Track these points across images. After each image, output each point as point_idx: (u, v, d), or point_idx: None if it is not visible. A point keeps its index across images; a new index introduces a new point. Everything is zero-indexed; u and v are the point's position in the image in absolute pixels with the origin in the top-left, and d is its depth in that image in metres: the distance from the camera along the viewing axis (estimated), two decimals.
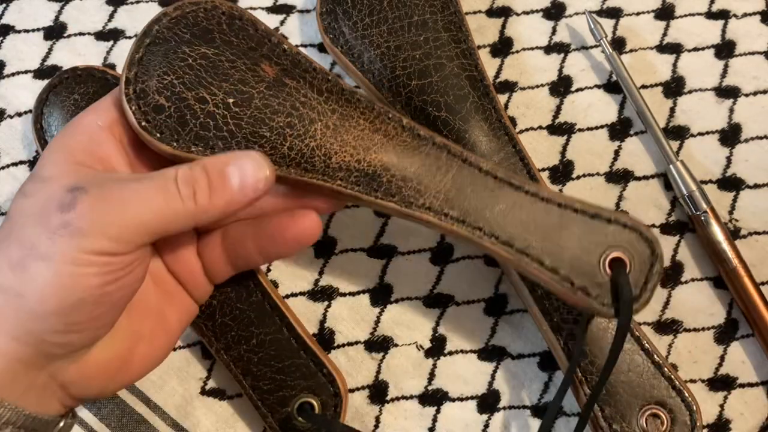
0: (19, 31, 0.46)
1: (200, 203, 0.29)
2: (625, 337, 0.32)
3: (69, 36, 0.46)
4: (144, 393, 0.41)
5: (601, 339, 0.38)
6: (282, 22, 0.46)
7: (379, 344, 0.41)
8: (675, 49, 0.45)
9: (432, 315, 0.42)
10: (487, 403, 0.40)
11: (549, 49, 0.45)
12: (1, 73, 0.45)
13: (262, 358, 0.38)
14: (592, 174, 0.43)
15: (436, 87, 0.41)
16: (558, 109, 0.44)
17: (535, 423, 0.40)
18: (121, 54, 0.45)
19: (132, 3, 0.46)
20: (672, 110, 0.44)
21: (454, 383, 0.41)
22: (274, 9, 0.46)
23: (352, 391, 0.41)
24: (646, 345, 0.38)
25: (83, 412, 0.41)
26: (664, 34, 0.45)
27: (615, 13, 0.46)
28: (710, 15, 0.45)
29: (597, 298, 0.32)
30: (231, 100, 0.32)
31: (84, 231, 0.27)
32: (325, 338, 0.41)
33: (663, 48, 0.45)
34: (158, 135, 0.31)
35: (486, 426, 0.40)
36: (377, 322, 0.42)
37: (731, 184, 0.42)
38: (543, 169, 0.43)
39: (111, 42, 0.46)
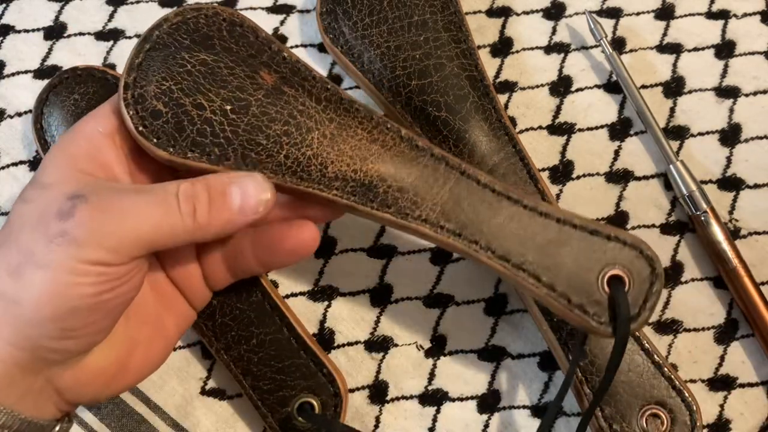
0: (19, 31, 0.46)
1: (199, 221, 0.29)
2: (622, 356, 0.31)
3: (69, 36, 0.46)
4: (144, 393, 0.41)
5: (601, 338, 0.38)
6: (282, 22, 0.46)
7: (379, 344, 0.41)
8: (675, 49, 0.45)
9: (432, 315, 0.42)
10: (487, 403, 0.40)
11: (549, 49, 0.45)
12: (1, 73, 0.45)
13: (262, 358, 0.38)
14: (592, 174, 0.43)
15: (436, 87, 0.41)
16: (558, 109, 0.44)
17: (535, 423, 0.40)
18: (121, 54, 0.45)
19: (132, 3, 0.46)
20: (672, 110, 0.44)
21: (454, 383, 0.41)
22: (274, 9, 0.46)
23: (352, 391, 0.41)
24: (646, 345, 0.38)
25: (83, 413, 0.41)
26: (664, 34, 0.45)
27: (615, 13, 0.46)
28: (710, 15, 0.45)
29: (594, 317, 0.31)
30: (228, 107, 0.32)
31: (81, 241, 0.27)
32: (325, 338, 0.41)
33: (663, 48, 0.45)
34: (155, 140, 0.31)
35: (486, 426, 0.40)
36: (377, 322, 0.42)
37: (731, 184, 0.42)
38: (543, 169, 0.43)
39: (111, 42, 0.46)
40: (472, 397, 0.40)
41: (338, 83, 0.45)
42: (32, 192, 0.30)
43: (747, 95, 0.44)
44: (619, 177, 0.43)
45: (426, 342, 0.41)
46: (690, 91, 0.44)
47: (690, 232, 0.42)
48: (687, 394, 0.37)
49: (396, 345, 0.41)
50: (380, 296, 0.42)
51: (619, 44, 0.45)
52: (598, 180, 0.43)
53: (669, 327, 0.41)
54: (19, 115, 0.44)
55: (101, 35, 0.46)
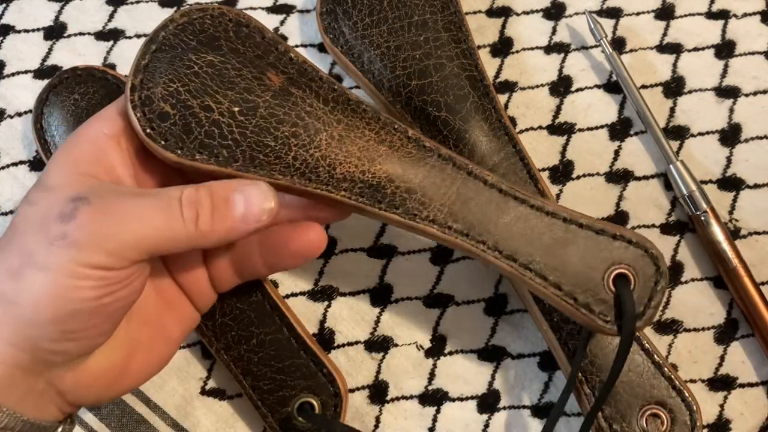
0: (19, 31, 0.46)
1: (201, 228, 0.29)
2: (628, 354, 0.31)
3: (69, 36, 0.46)
4: (144, 393, 0.41)
5: (602, 338, 0.38)
6: (282, 22, 0.46)
7: (379, 344, 0.41)
8: (675, 49, 0.45)
9: (432, 315, 0.42)
10: (487, 403, 0.40)
11: (549, 49, 0.45)
12: (1, 73, 0.45)
13: (262, 358, 0.38)
14: (592, 174, 0.43)
15: (436, 87, 0.41)
16: (558, 109, 0.44)
17: (535, 423, 0.40)
18: (120, 54, 0.45)
19: (132, 3, 0.46)
20: (672, 110, 0.44)
21: (454, 383, 0.41)
22: (274, 9, 0.46)
23: (352, 391, 0.41)
24: (646, 345, 0.38)
25: (83, 413, 0.41)
26: (664, 34, 0.45)
27: (615, 13, 0.46)
28: (710, 15, 0.45)
29: (600, 315, 0.32)
30: (236, 109, 0.32)
31: (81, 244, 0.27)
32: (325, 338, 0.41)
33: (663, 48, 0.45)
34: (163, 142, 0.31)
35: (486, 426, 0.40)
36: (377, 322, 0.42)
37: (731, 184, 0.42)
38: (543, 169, 0.43)
39: (111, 42, 0.46)
40: (472, 397, 0.40)
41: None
42: (36, 194, 0.30)
43: (747, 95, 0.44)
44: (619, 177, 0.43)
45: (426, 342, 0.41)
46: (690, 91, 0.44)
47: (690, 232, 0.42)
48: (687, 394, 0.37)
49: (396, 345, 0.41)
50: (380, 296, 0.42)
51: (619, 44, 0.45)
52: (598, 180, 0.43)
53: (669, 327, 0.41)
54: (19, 115, 0.44)
55: (101, 35, 0.46)
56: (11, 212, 0.43)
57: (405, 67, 0.41)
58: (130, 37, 0.46)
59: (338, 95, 0.33)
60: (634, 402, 0.37)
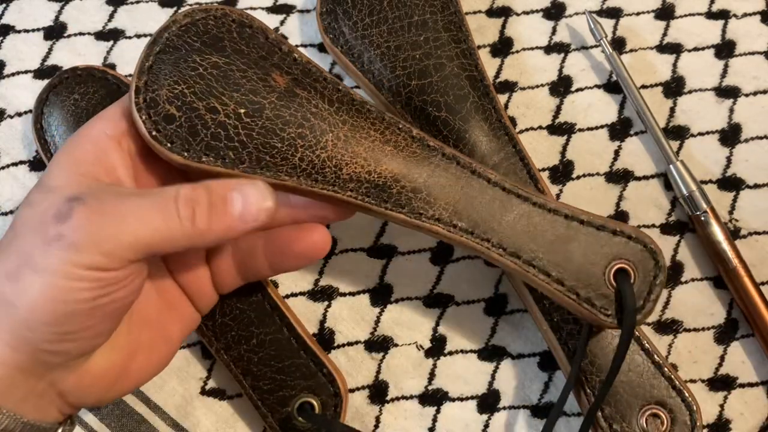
0: (19, 31, 0.46)
1: (198, 226, 0.29)
2: (628, 347, 0.32)
3: (69, 36, 0.46)
4: (144, 393, 0.41)
5: (602, 338, 0.38)
6: (282, 22, 0.46)
7: (379, 344, 0.41)
8: (675, 49, 0.45)
9: (432, 315, 0.42)
10: (487, 403, 0.40)
11: (549, 49, 0.45)
12: (1, 73, 0.45)
13: (262, 358, 0.38)
14: (592, 174, 0.43)
15: (436, 87, 0.41)
16: (558, 109, 0.44)
17: (536, 423, 0.40)
18: (120, 54, 0.45)
19: (132, 3, 0.46)
20: (672, 110, 0.44)
21: (454, 383, 0.41)
22: (274, 9, 0.46)
23: (352, 391, 0.41)
24: (646, 345, 0.38)
25: (84, 413, 0.41)
26: (664, 34, 0.45)
27: (615, 13, 0.46)
28: (710, 15, 0.45)
29: (601, 310, 0.33)
30: (242, 111, 0.32)
31: (77, 245, 0.27)
32: (325, 338, 0.41)
33: (663, 48, 0.45)
34: (169, 145, 0.31)
35: (486, 426, 0.40)
36: (377, 322, 0.42)
37: (731, 184, 0.42)
38: (543, 169, 0.43)
39: (111, 42, 0.46)
40: (472, 397, 0.40)
41: None
42: (36, 195, 0.30)
43: (747, 95, 0.44)
44: (619, 177, 0.43)
45: (426, 342, 0.41)
46: (690, 91, 0.44)
47: (690, 232, 0.42)
48: (687, 394, 0.37)
49: (396, 345, 0.41)
50: (380, 296, 0.42)
51: (619, 44, 0.45)
52: (598, 180, 0.43)
53: (669, 327, 0.41)
54: (19, 115, 0.44)
55: (101, 35, 0.46)
56: (11, 212, 0.43)
57: (405, 67, 0.41)
58: (130, 37, 0.46)
59: (343, 96, 0.33)
60: (634, 402, 0.37)
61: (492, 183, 0.34)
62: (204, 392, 0.41)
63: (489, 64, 0.45)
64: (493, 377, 0.41)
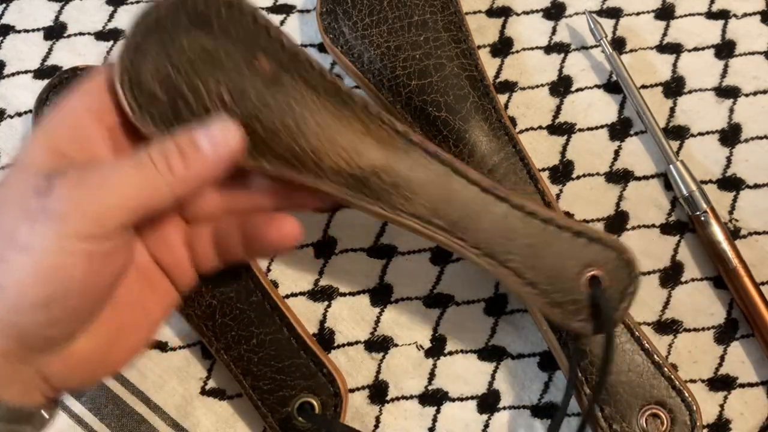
0: (19, 31, 0.46)
1: (178, 174, 0.29)
2: (613, 352, 0.32)
3: (69, 36, 0.46)
4: (144, 393, 0.41)
5: (602, 338, 0.38)
6: (282, 22, 0.46)
7: (379, 344, 0.41)
8: (675, 49, 0.45)
9: (432, 315, 0.42)
10: (487, 403, 0.40)
11: (549, 49, 0.45)
12: (1, 73, 0.45)
13: (262, 358, 0.38)
14: (592, 174, 0.43)
15: (436, 87, 0.41)
16: (558, 109, 0.44)
17: (536, 423, 0.40)
18: None
19: (132, 3, 0.46)
20: (672, 110, 0.44)
21: (454, 383, 0.41)
22: (274, 9, 0.46)
23: (352, 391, 0.41)
24: (646, 345, 0.38)
25: (84, 414, 0.41)
26: (664, 34, 0.45)
27: (615, 13, 0.46)
28: (710, 15, 0.45)
29: (573, 315, 0.32)
30: (226, 94, 0.32)
31: (64, 214, 0.27)
32: (325, 338, 0.41)
33: (663, 48, 0.45)
34: (151, 123, 0.31)
35: (486, 426, 0.40)
36: (377, 322, 0.42)
37: (731, 184, 0.42)
38: (543, 169, 0.43)
39: (111, 42, 0.46)
40: (472, 397, 0.40)
41: None
42: (13, 175, 0.29)
43: (747, 95, 0.44)
44: (619, 177, 0.43)
45: (426, 342, 0.41)
46: (690, 91, 0.44)
47: (690, 232, 0.42)
48: (687, 394, 0.37)
49: (396, 345, 0.41)
50: (380, 296, 0.42)
51: (619, 44, 0.45)
52: (598, 180, 0.43)
53: (669, 327, 0.41)
54: (19, 115, 0.44)
55: (101, 35, 0.46)
56: None
57: (405, 67, 0.41)
58: None
59: (328, 84, 0.33)
60: (634, 402, 0.37)
61: (471, 182, 0.33)
62: (204, 392, 0.41)
63: (489, 64, 0.45)
64: (493, 377, 0.41)
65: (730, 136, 0.43)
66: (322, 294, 0.42)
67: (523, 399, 0.40)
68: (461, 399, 0.41)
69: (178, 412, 0.41)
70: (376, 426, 0.40)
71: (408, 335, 0.41)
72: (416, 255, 0.42)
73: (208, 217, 0.34)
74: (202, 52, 0.32)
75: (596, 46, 0.45)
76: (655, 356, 0.38)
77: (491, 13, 0.46)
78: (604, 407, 0.37)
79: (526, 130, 0.44)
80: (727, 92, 0.44)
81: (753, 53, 0.44)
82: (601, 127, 0.44)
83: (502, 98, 0.44)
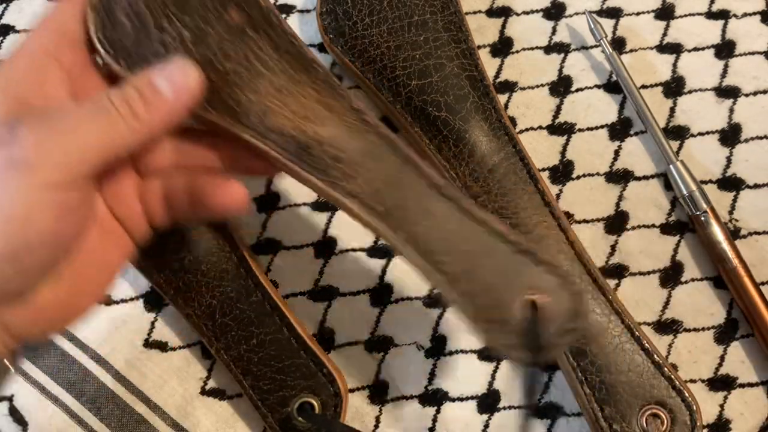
0: (19, 31, 0.46)
1: (142, 119, 0.29)
2: (536, 386, 0.30)
3: None
4: (144, 393, 0.41)
5: (601, 337, 0.38)
6: None
7: (379, 344, 0.41)
8: (675, 49, 0.45)
9: (432, 315, 0.42)
10: (487, 403, 0.40)
11: (549, 49, 0.45)
12: None
13: (262, 358, 0.38)
14: (592, 174, 0.43)
15: (436, 87, 0.41)
16: (558, 109, 0.44)
17: (536, 423, 0.40)
18: None
19: None
20: (672, 110, 0.44)
21: (454, 383, 0.41)
22: None
23: (352, 391, 0.41)
24: (646, 345, 0.38)
25: (83, 413, 0.41)
26: (664, 34, 0.45)
27: (615, 13, 0.46)
28: (710, 15, 0.45)
29: (502, 336, 0.30)
30: (187, 35, 0.32)
31: (31, 164, 0.27)
32: (325, 338, 0.41)
33: (663, 48, 0.45)
34: (111, 51, 0.31)
35: (486, 426, 0.40)
36: (377, 322, 0.42)
37: (731, 184, 0.42)
38: (543, 169, 0.43)
39: None
40: (472, 397, 0.40)
41: None
42: None
43: (747, 95, 0.44)
44: (619, 177, 0.43)
45: (426, 342, 0.41)
46: (690, 91, 0.44)
47: (690, 232, 0.42)
48: (687, 394, 0.37)
49: (396, 345, 0.41)
50: (380, 296, 0.42)
51: (619, 44, 0.45)
52: (598, 180, 0.43)
53: (669, 327, 0.41)
54: None
55: None
56: None
57: (405, 67, 0.41)
58: None
59: (294, 49, 0.33)
60: (634, 402, 0.37)
61: (422, 176, 0.31)
62: (204, 392, 0.41)
63: (489, 64, 0.45)
64: (493, 377, 0.41)
65: (730, 136, 0.43)
66: (322, 294, 0.42)
67: (524, 399, 0.40)
68: (461, 399, 0.41)
69: (178, 412, 0.41)
70: (376, 426, 0.40)
71: (408, 335, 0.41)
72: None
73: (160, 171, 0.34)
74: None
75: (596, 46, 0.45)
76: (655, 356, 0.38)
77: (491, 13, 0.46)
78: (604, 407, 0.37)
79: (526, 130, 0.44)
80: (727, 92, 0.44)
81: (753, 53, 0.44)
82: (601, 127, 0.44)
83: (502, 98, 0.44)
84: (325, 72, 0.33)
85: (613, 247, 0.42)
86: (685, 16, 0.45)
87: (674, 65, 0.44)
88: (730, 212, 0.42)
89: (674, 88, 0.44)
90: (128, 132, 0.29)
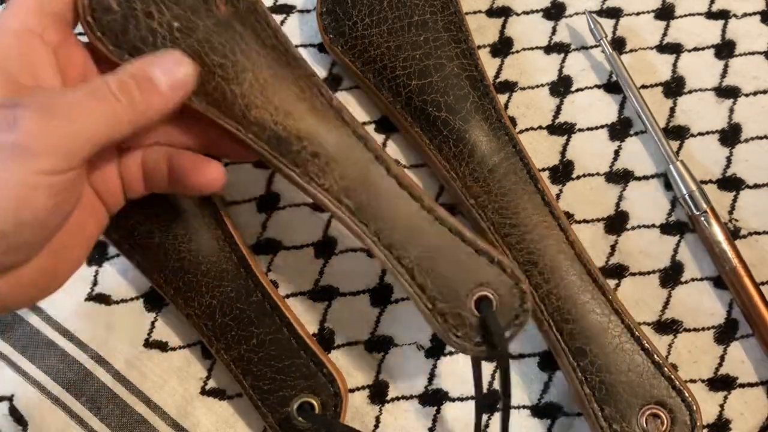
0: None
1: (139, 108, 0.30)
2: (509, 376, 0.32)
3: None
4: (144, 393, 0.41)
5: (601, 337, 0.38)
6: (282, 22, 0.46)
7: (379, 344, 0.41)
8: (675, 49, 0.45)
9: None
10: (487, 403, 0.40)
11: (549, 49, 0.45)
12: None
13: (262, 358, 0.38)
14: (592, 174, 0.43)
15: (436, 87, 0.41)
16: (558, 109, 0.44)
17: (536, 423, 0.40)
18: None
19: None
20: (672, 110, 0.44)
21: (454, 383, 0.41)
22: (274, 9, 0.46)
23: (352, 391, 0.41)
24: (646, 345, 0.38)
25: (83, 412, 0.41)
26: (664, 34, 0.45)
27: (615, 13, 0.46)
28: (710, 15, 0.45)
29: (453, 327, 0.32)
30: (176, 24, 0.32)
31: (33, 150, 0.27)
32: (325, 338, 0.41)
33: (663, 48, 0.45)
34: (99, 34, 0.32)
35: (486, 426, 0.40)
36: (377, 322, 0.42)
37: (731, 184, 0.42)
38: (543, 169, 0.43)
39: None
40: (472, 398, 0.40)
41: (338, 83, 0.45)
42: None
43: (747, 95, 0.44)
44: (619, 177, 0.43)
45: (426, 342, 0.41)
46: (690, 91, 0.44)
47: (690, 232, 0.42)
48: (687, 394, 0.37)
49: (396, 345, 0.41)
50: (380, 296, 0.42)
51: (619, 44, 0.45)
52: (598, 180, 0.43)
53: (669, 327, 0.41)
54: None
55: None
56: None
57: (405, 67, 0.41)
58: None
59: (279, 44, 0.34)
60: (634, 402, 0.37)
61: (391, 174, 0.34)
62: (204, 392, 0.41)
63: (489, 64, 0.45)
64: (493, 377, 0.41)
65: (730, 136, 0.43)
66: (322, 294, 0.42)
67: (523, 399, 0.40)
68: (461, 399, 0.41)
69: (178, 412, 0.41)
70: (376, 426, 0.40)
71: (408, 335, 0.41)
72: None
73: (140, 146, 0.35)
74: None
75: (596, 46, 0.45)
76: (655, 356, 0.38)
77: (491, 13, 0.46)
78: (604, 407, 0.37)
79: (526, 130, 0.44)
80: (727, 92, 0.44)
81: (753, 53, 0.44)
82: (601, 127, 0.44)
83: (502, 98, 0.44)
84: (309, 70, 0.34)
85: (613, 247, 0.42)
86: (685, 16, 0.45)
87: (674, 65, 0.44)
88: (730, 212, 0.42)
89: (674, 88, 0.44)
90: (126, 119, 0.30)
